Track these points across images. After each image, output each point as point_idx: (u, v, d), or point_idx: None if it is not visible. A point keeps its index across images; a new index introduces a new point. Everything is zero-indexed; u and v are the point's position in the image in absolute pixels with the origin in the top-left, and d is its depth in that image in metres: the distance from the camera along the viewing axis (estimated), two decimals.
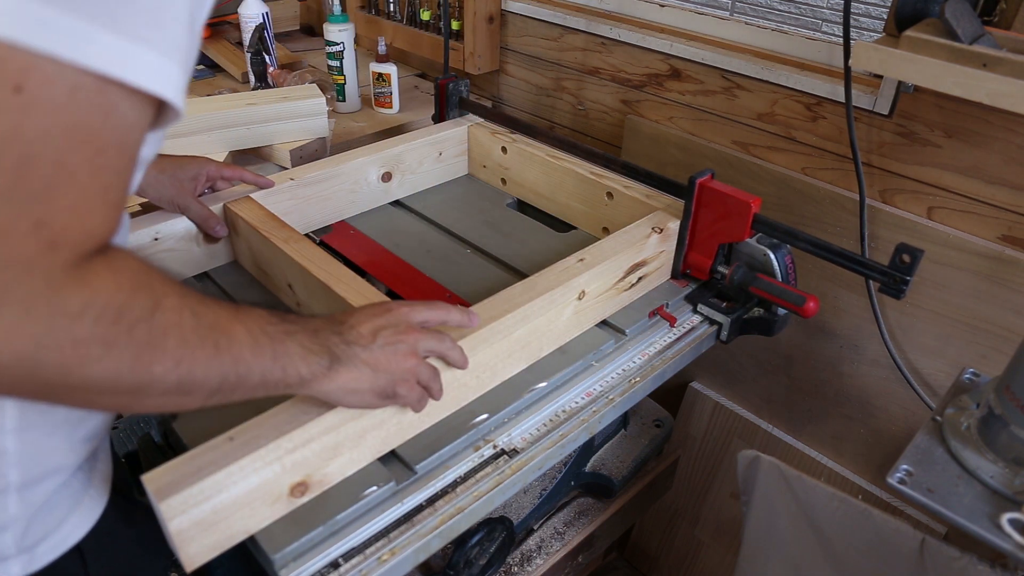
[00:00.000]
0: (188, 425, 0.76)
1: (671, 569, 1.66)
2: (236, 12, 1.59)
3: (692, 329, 0.97)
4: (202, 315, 0.49)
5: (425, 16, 1.66)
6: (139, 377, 0.45)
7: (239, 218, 0.97)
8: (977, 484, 0.75)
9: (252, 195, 1.01)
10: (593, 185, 1.12)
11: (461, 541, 1.02)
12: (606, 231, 1.13)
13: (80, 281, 0.41)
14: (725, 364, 1.45)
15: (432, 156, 1.27)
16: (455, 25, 1.59)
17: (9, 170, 0.38)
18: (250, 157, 1.34)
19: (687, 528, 1.60)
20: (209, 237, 1.00)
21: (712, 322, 0.98)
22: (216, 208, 0.98)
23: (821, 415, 1.34)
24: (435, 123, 1.34)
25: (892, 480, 0.75)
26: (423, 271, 1.05)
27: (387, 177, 1.21)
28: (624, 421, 1.31)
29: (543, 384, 0.83)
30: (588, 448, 1.22)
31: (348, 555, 0.66)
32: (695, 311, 0.99)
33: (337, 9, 1.52)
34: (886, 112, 1.08)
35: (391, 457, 0.74)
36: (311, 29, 2.11)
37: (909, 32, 0.90)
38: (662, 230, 0.96)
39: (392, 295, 1.01)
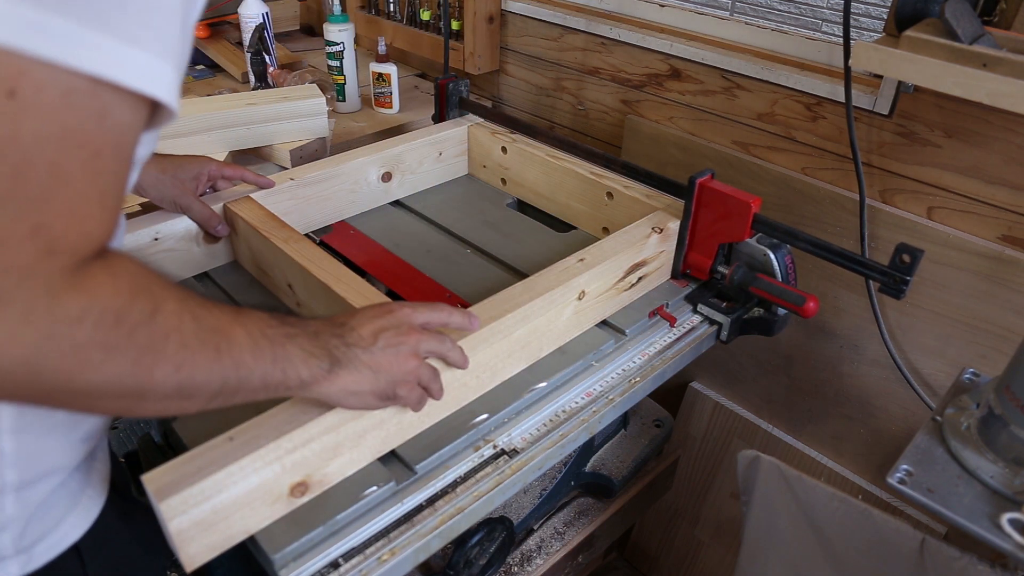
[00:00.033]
0: (188, 425, 0.76)
1: (671, 569, 1.66)
2: (236, 12, 1.59)
3: (692, 329, 0.97)
4: (202, 318, 0.49)
5: (425, 16, 1.66)
6: (140, 381, 0.45)
7: (239, 218, 0.97)
8: (977, 484, 0.75)
9: (252, 195, 1.01)
10: (593, 185, 1.12)
11: (461, 541, 1.02)
12: (606, 231, 1.13)
13: (79, 286, 0.41)
14: (725, 364, 1.45)
15: (432, 156, 1.27)
16: (455, 25, 1.59)
17: (5, 176, 0.38)
18: (250, 157, 1.34)
19: (687, 528, 1.60)
20: (209, 237, 1.00)
21: (712, 322, 0.98)
22: (216, 208, 0.98)
23: (821, 415, 1.34)
24: (435, 123, 1.34)
25: (892, 480, 0.75)
26: (423, 271, 1.05)
27: (387, 177, 1.21)
28: (624, 421, 1.31)
29: (543, 384, 0.83)
30: (588, 448, 1.22)
31: (348, 555, 0.66)
32: (695, 311, 0.99)
33: (337, 9, 1.52)
34: (886, 112, 1.08)
35: (391, 457, 0.74)
36: (311, 29, 2.11)
37: (909, 32, 0.90)
38: (662, 230, 0.96)
39: (392, 295, 1.01)
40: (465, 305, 0.89)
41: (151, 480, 0.57)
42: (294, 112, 1.31)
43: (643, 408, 1.36)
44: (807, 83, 1.16)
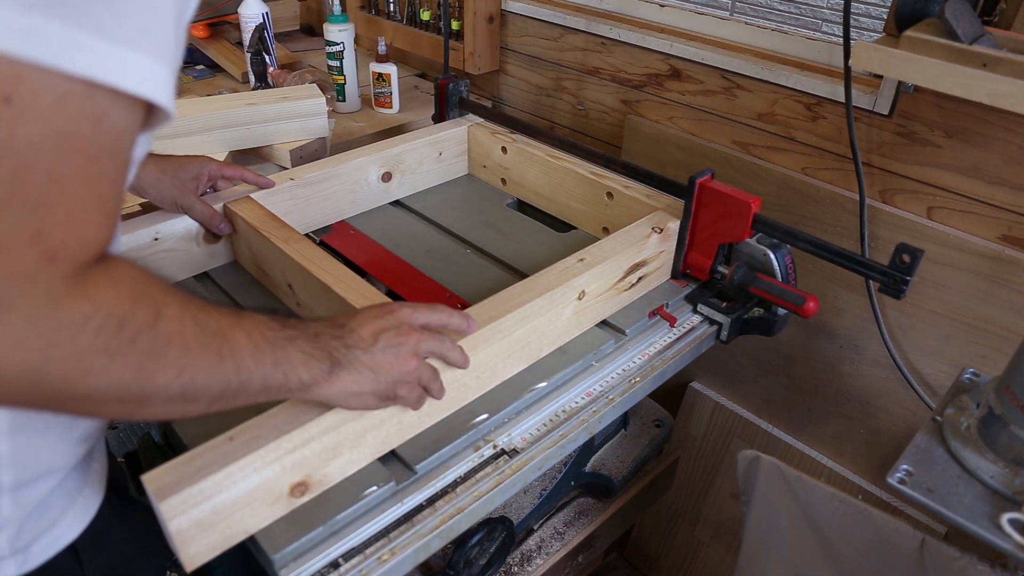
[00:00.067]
0: (188, 425, 0.76)
1: (671, 569, 1.66)
2: (236, 12, 1.59)
3: (692, 329, 0.97)
4: (204, 322, 0.49)
5: (425, 16, 1.66)
6: (143, 386, 0.45)
7: (239, 218, 0.97)
8: (977, 484, 0.75)
9: (252, 195, 1.01)
10: (593, 185, 1.12)
11: (461, 541, 1.02)
12: (606, 231, 1.13)
13: (81, 292, 0.41)
14: (725, 364, 1.45)
15: (432, 156, 1.27)
16: (455, 25, 1.59)
17: (3, 183, 0.38)
18: (250, 157, 1.34)
19: (687, 528, 1.60)
20: (210, 236, 1.00)
21: (712, 322, 0.98)
22: (216, 208, 0.98)
23: (821, 415, 1.34)
24: (435, 123, 1.34)
25: (892, 480, 0.75)
26: (423, 271, 1.05)
27: (387, 177, 1.21)
28: (624, 421, 1.31)
29: (543, 384, 0.83)
30: (588, 448, 1.22)
31: (348, 555, 0.66)
32: (695, 311, 0.99)
33: (337, 9, 1.52)
34: (886, 112, 1.08)
35: (391, 457, 0.74)
36: (311, 29, 2.11)
37: (909, 32, 0.90)
38: (662, 230, 0.96)
39: (392, 295, 1.01)
40: (465, 305, 0.89)
41: (151, 480, 0.57)
42: (294, 112, 1.31)
43: (643, 408, 1.36)
44: (807, 83, 1.16)
